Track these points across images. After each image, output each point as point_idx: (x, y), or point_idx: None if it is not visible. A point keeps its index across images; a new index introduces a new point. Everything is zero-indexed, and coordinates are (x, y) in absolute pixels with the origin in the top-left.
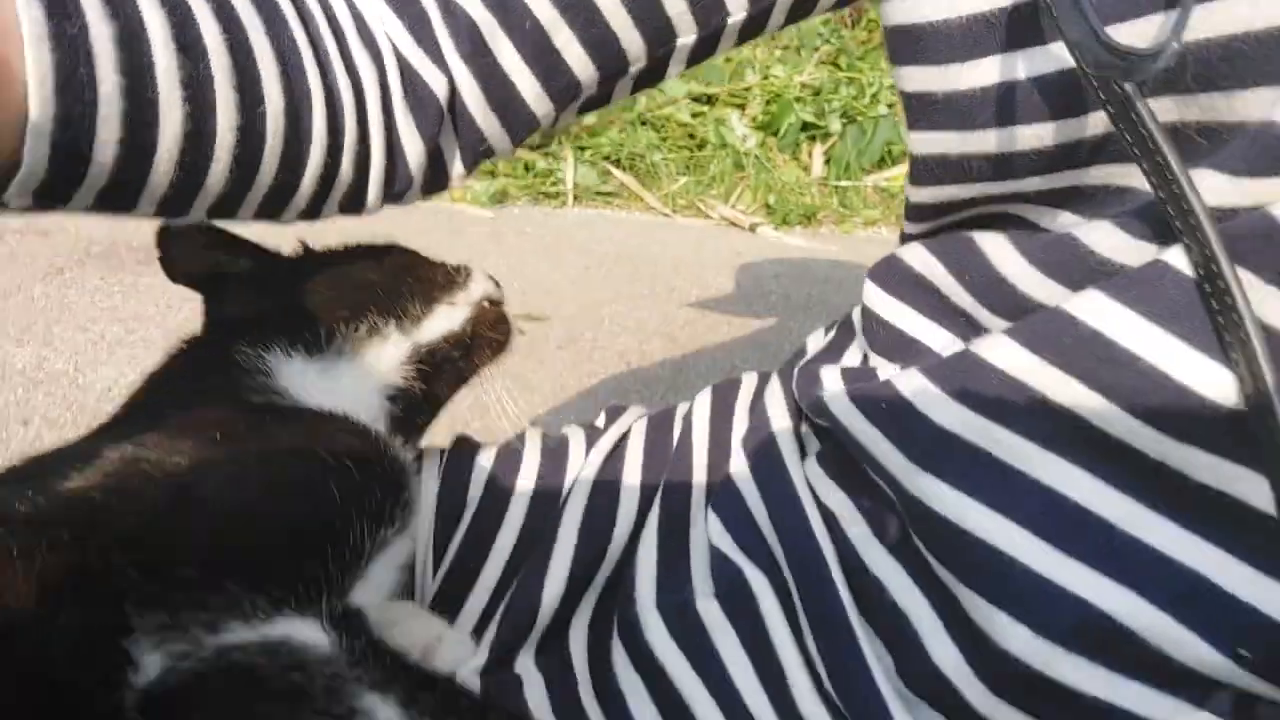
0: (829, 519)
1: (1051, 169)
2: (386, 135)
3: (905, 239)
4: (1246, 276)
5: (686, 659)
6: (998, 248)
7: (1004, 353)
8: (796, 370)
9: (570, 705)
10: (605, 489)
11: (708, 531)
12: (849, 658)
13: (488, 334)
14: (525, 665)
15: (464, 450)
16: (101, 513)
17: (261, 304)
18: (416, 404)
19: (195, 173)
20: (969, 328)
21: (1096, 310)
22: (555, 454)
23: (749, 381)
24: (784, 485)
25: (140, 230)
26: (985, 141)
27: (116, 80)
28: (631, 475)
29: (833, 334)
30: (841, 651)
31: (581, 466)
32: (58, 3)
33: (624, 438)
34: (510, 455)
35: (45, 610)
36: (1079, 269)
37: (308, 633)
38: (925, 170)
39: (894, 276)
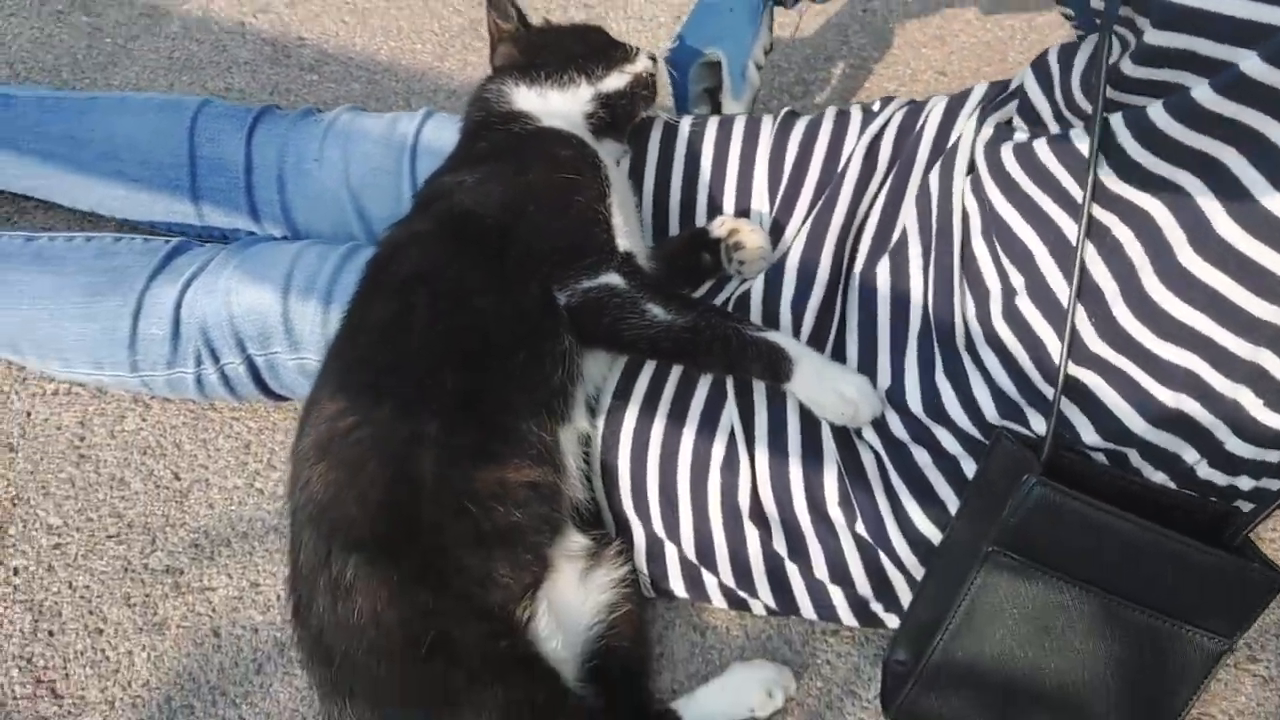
0: (964, 216)
1: None
2: None
3: None
4: None
5: (858, 294)
6: None
7: None
8: (991, 118)
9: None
10: (869, 163)
11: (913, 206)
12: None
13: (642, 93)
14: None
15: (792, 117)
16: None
17: (511, 55)
18: (603, 125)
19: None
20: None
21: None
22: (840, 124)
23: (977, 93)
24: (949, 191)
25: None
26: None
27: None
28: (884, 155)
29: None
30: (946, 296)
31: (856, 143)
32: None
33: (884, 126)
34: (816, 122)
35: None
36: None
37: (614, 278)
38: None
39: None
